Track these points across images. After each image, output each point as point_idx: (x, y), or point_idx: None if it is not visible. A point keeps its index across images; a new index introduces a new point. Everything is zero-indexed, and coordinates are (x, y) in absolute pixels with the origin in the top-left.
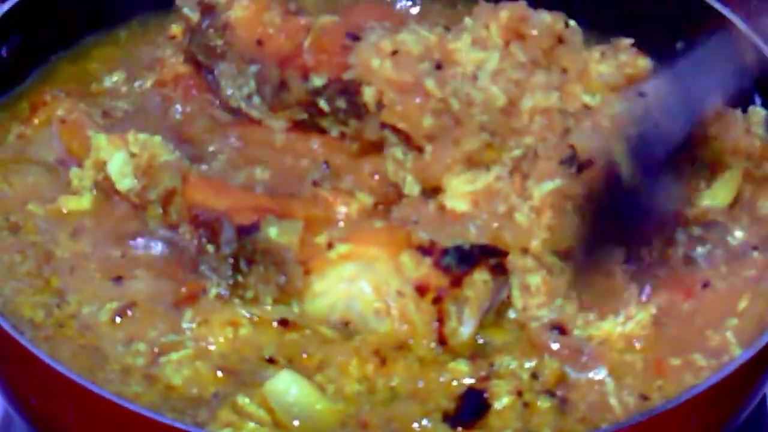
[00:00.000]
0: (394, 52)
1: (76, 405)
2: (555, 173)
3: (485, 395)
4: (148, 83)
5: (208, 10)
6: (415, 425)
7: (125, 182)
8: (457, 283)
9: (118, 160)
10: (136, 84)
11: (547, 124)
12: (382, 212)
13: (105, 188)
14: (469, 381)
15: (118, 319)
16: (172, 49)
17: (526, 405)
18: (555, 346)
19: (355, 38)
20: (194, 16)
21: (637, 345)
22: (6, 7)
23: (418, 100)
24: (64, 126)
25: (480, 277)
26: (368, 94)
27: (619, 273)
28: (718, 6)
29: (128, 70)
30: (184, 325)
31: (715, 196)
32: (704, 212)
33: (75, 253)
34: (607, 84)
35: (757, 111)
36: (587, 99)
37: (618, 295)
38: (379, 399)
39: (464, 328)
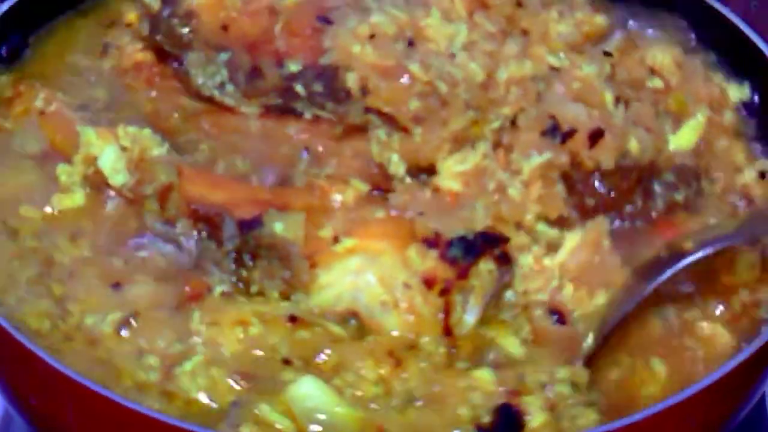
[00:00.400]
0: (372, 36)
1: (76, 405)
2: (540, 146)
3: (517, 410)
4: (107, 67)
5: None
6: None
7: (118, 177)
8: (464, 274)
9: (109, 154)
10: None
11: (522, 93)
12: (377, 198)
13: (96, 183)
14: (493, 388)
15: (124, 332)
16: (129, 37)
17: (558, 421)
18: (557, 336)
19: (326, 21)
20: (154, 4)
21: None
22: (6, 6)
23: (403, 83)
24: (45, 118)
25: (485, 266)
26: (351, 80)
27: (606, 245)
28: (718, 6)
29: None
30: (193, 327)
31: (680, 140)
32: (671, 157)
33: (74, 258)
34: (567, 43)
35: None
36: (552, 60)
37: (605, 268)
38: (396, 404)
39: (468, 317)
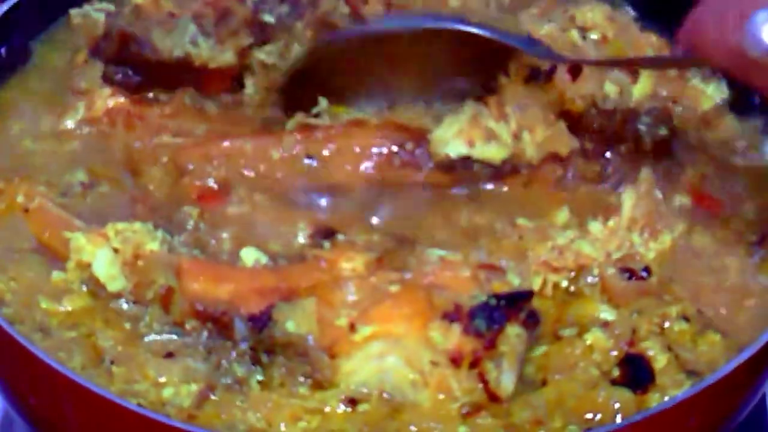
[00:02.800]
0: None
1: (76, 405)
2: (527, 93)
3: (643, 356)
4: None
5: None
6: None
7: (116, 284)
8: (491, 345)
9: (102, 260)
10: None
11: None
12: (389, 259)
13: (97, 287)
14: (609, 344)
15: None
16: (96, 77)
17: (677, 357)
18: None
19: None
20: (98, 17)
21: None
22: (6, 7)
23: None
24: (29, 216)
25: (513, 331)
26: None
27: (658, 194)
28: None
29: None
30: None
31: (642, 87)
32: (641, 102)
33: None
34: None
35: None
36: None
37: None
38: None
39: (506, 381)
